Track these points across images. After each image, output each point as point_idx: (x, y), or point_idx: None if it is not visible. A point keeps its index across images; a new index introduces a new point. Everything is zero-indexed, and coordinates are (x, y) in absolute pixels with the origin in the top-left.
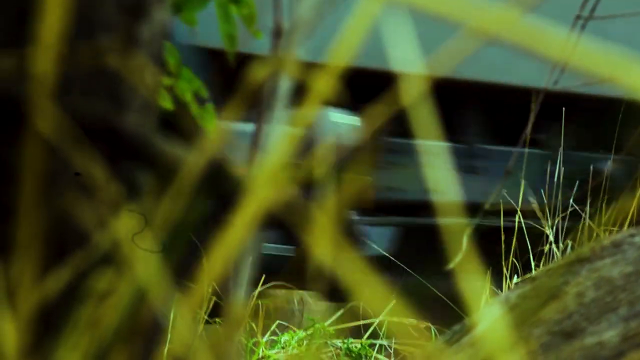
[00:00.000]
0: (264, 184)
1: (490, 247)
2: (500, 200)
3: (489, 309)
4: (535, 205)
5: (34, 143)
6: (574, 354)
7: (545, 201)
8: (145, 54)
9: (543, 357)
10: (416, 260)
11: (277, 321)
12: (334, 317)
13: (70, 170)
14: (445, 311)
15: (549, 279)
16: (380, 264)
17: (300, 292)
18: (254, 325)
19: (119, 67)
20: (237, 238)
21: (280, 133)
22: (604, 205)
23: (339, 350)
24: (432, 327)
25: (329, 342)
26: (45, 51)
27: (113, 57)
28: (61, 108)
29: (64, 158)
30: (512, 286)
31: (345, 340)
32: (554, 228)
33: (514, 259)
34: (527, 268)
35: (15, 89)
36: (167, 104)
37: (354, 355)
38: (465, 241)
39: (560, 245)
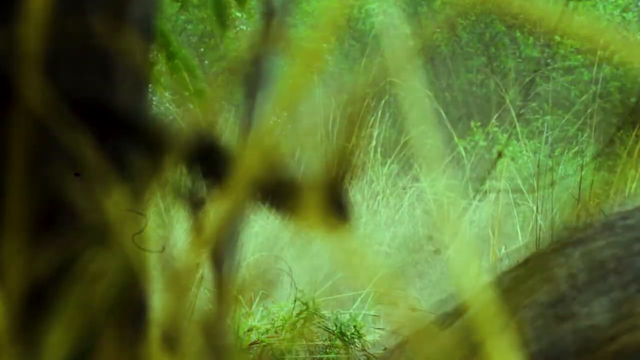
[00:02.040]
0: (254, 158)
1: None
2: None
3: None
4: None
5: (24, 120)
6: (567, 337)
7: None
8: (135, 31)
9: (536, 340)
10: None
11: (265, 292)
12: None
13: (61, 148)
14: None
15: (541, 261)
16: None
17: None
18: (242, 296)
19: (109, 44)
20: (227, 212)
21: (269, 107)
22: None
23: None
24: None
25: (318, 313)
26: (35, 28)
27: (103, 34)
28: (51, 85)
29: (54, 135)
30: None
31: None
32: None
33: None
34: None
35: (4, 65)
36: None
37: (346, 339)
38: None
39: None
